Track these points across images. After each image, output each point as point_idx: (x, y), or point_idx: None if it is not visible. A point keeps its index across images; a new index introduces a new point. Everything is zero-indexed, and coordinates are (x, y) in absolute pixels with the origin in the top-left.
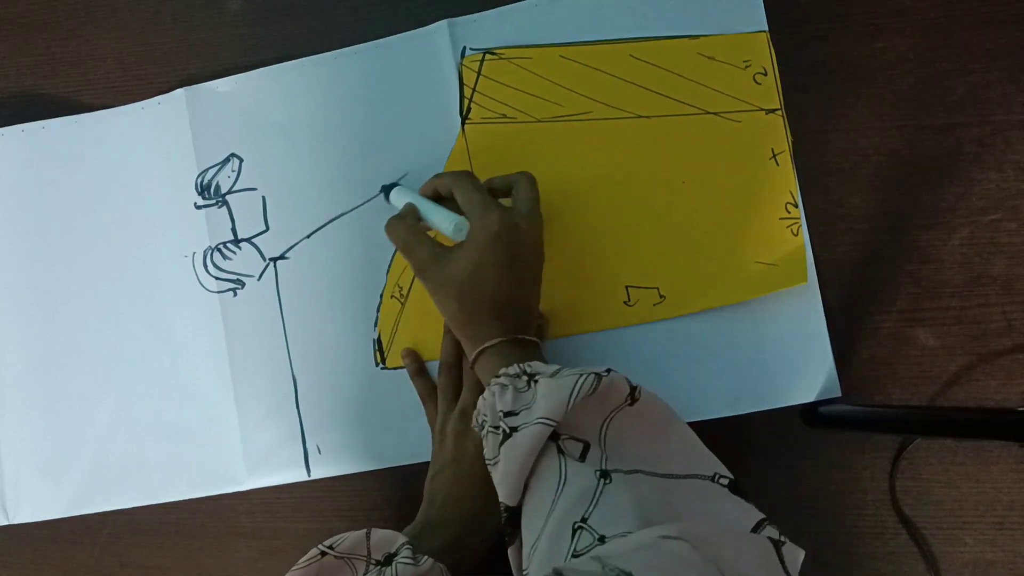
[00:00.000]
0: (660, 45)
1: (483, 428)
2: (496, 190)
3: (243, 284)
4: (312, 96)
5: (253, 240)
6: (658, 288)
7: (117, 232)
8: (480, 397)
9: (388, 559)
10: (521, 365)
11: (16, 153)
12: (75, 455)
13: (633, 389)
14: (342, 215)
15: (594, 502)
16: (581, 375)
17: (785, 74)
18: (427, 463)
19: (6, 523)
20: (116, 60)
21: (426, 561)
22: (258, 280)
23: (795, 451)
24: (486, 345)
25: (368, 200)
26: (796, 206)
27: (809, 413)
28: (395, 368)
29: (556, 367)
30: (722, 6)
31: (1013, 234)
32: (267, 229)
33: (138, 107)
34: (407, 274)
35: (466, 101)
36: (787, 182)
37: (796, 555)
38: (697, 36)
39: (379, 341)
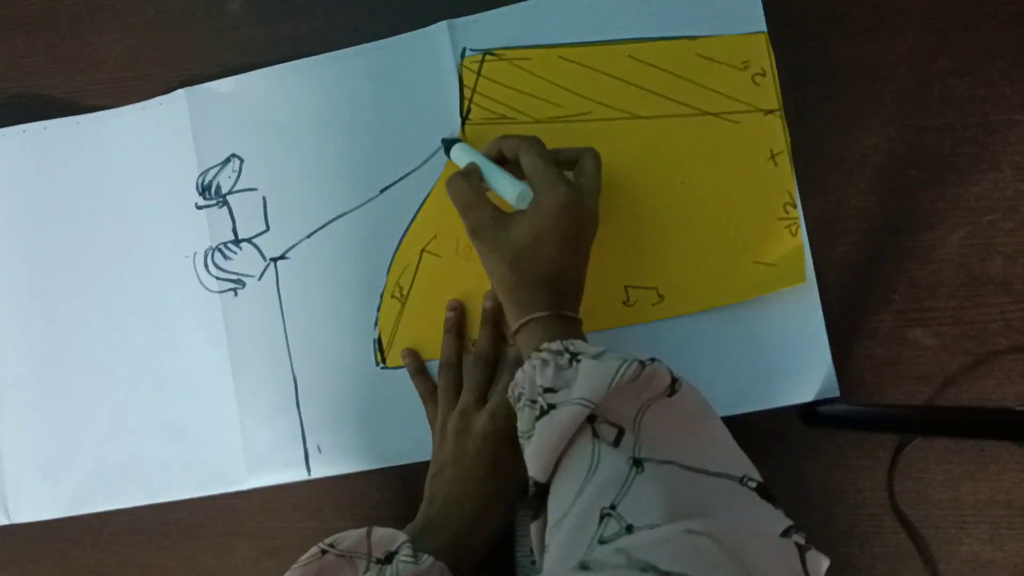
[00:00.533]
0: (659, 46)
1: (519, 400)
2: (562, 162)
3: (244, 284)
4: (312, 96)
5: (254, 240)
6: (657, 288)
7: (118, 232)
8: (519, 369)
9: (389, 557)
10: (564, 342)
11: (17, 153)
12: (75, 455)
13: (674, 381)
14: (342, 215)
15: (625, 489)
16: (625, 361)
17: (784, 75)
18: (427, 463)
19: (6, 523)
20: (117, 60)
21: (427, 560)
22: (259, 280)
23: (794, 451)
24: (532, 316)
25: (368, 200)
26: (795, 206)
27: (808, 413)
28: (395, 368)
29: (600, 348)
30: (721, 7)
31: (1011, 234)
32: (267, 229)
33: (139, 107)
34: (407, 274)
35: (466, 102)
36: (786, 182)
37: (820, 562)
38: (696, 37)
39: (379, 341)
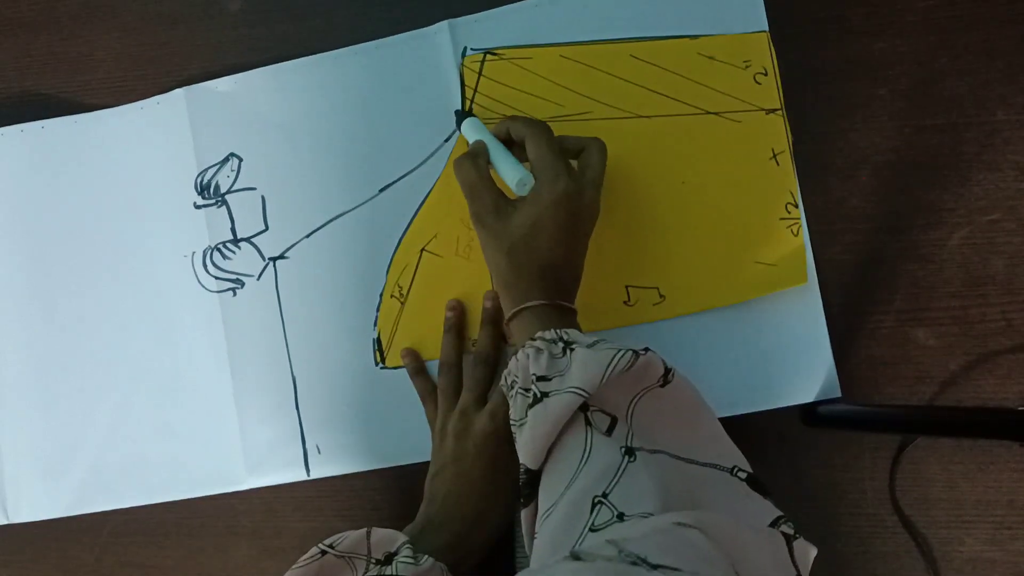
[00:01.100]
0: (660, 45)
1: (512, 388)
2: (567, 151)
3: (243, 284)
4: (312, 96)
5: (253, 240)
6: (658, 288)
7: (117, 232)
8: (512, 358)
9: (388, 558)
10: (558, 331)
11: (16, 153)
12: (75, 455)
13: (667, 371)
14: (342, 215)
15: (616, 478)
16: (619, 351)
17: (785, 74)
18: (427, 463)
19: (6, 523)
20: (116, 60)
21: (426, 560)
22: (258, 280)
23: (795, 451)
24: (527, 305)
25: (368, 199)
26: (796, 206)
27: (809, 413)
28: (395, 368)
29: (594, 338)
30: (722, 6)
31: (1012, 234)
32: (266, 229)
33: (137, 107)
34: (407, 273)
35: (467, 101)
36: (787, 182)
37: (807, 551)
38: (697, 36)
39: (379, 341)
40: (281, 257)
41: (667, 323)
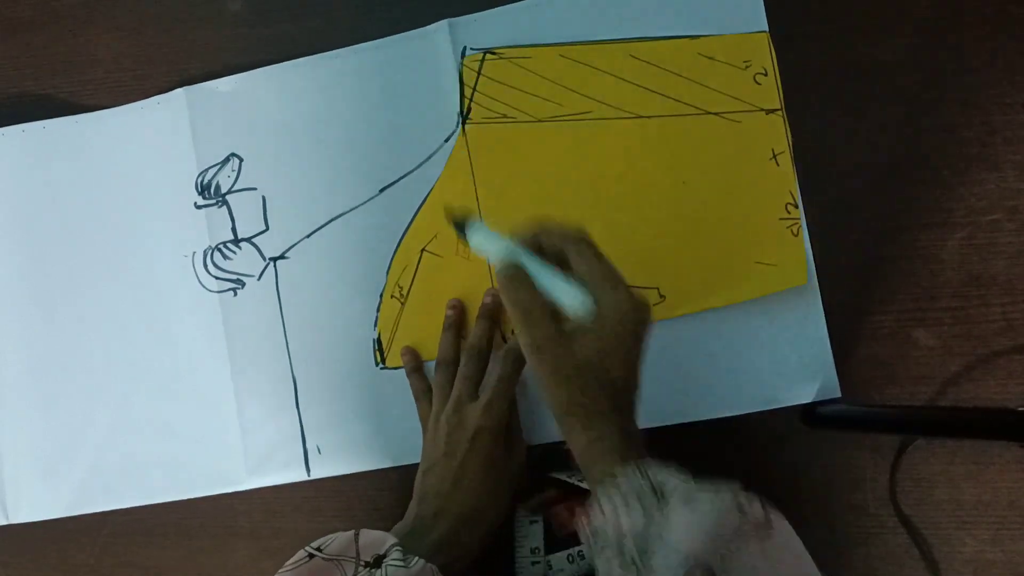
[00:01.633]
0: (660, 45)
1: (597, 540)
2: (547, 252)
3: (243, 284)
4: (312, 96)
5: (253, 240)
6: (658, 288)
7: (117, 232)
8: (595, 507)
9: (377, 561)
10: (641, 468)
11: (16, 153)
12: (75, 455)
13: (767, 515)
14: (342, 215)
15: None
16: (723, 508)
17: (785, 74)
18: None
19: (6, 523)
20: (116, 60)
21: (417, 563)
22: (258, 280)
23: (795, 451)
24: (599, 436)
25: (368, 199)
26: (796, 206)
27: (809, 413)
28: (395, 368)
29: (682, 476)
30: (722, 6)
31: (1012, 234)
32: (267, 229)
33: (138, 107)
34: (407, 274)
35: (466, 101)
36: (787, 182)
37: None
38: (697, 36)
39: (379, 341)
40: (281, 257)
41: (667, 323)
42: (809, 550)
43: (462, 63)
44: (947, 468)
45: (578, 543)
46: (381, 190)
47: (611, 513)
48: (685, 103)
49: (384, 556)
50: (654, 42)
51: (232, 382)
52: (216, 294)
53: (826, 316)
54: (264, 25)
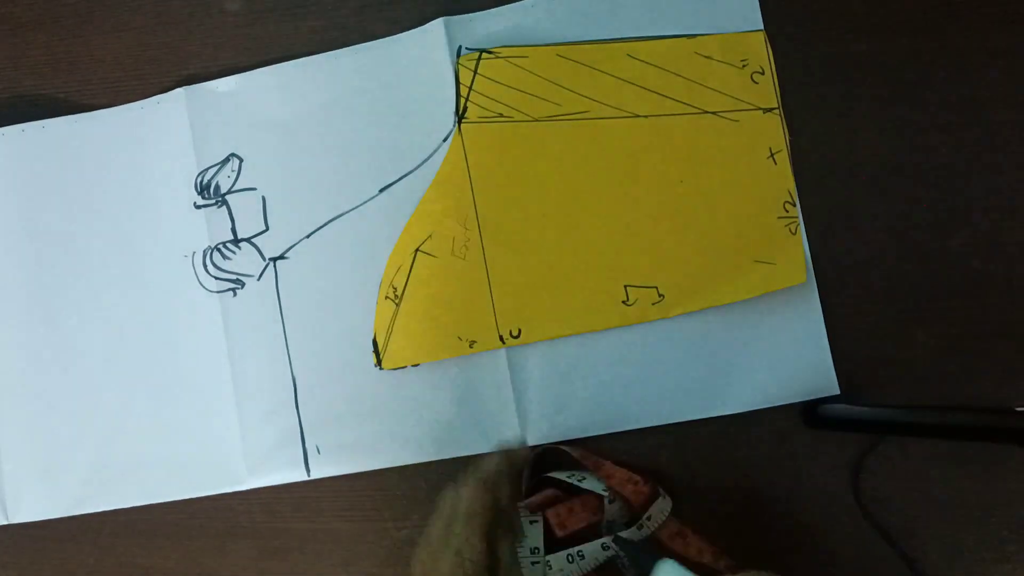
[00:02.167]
0: (657, 44)
1: None
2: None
3: (243, 284)
4: (312, 96)
5: (253, 240)
6: (657, 287)
7: (117, 232)
8: None
9: None
10: None
11: (16, 153)
12: (75, 455)
13: None
14: (342, 215)
15: None
16: None
17: (783, 73)
18: (427, 463)
19: (6, 523)
20: (116, 60)
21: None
22: (258, 280)
23: (794, 451)
24: None
25: (368, 200)
26: (794, 205)
27: (808, 413)
28: (392, 370)
29: None
30: (719, 5)
31: (1012, 234)
32: (267, 229)
33: (138, 107)
34: (400, 275)
35: (463, 100)
36: (785, 181)
37: None
38: (694, 35)
39: (375, 342)
40: (281, 257)
41: (665, 322)
42: (809, 550)
43: (458, 62)
44: (947, 468)
45: (578, 543)
46: (381, 190)
47: None
48: (682, 102)
49: None
50: (651, 41)
51: (232, 382)
52: (216, 294)
53: (825, 315)
54: (264, 25)
